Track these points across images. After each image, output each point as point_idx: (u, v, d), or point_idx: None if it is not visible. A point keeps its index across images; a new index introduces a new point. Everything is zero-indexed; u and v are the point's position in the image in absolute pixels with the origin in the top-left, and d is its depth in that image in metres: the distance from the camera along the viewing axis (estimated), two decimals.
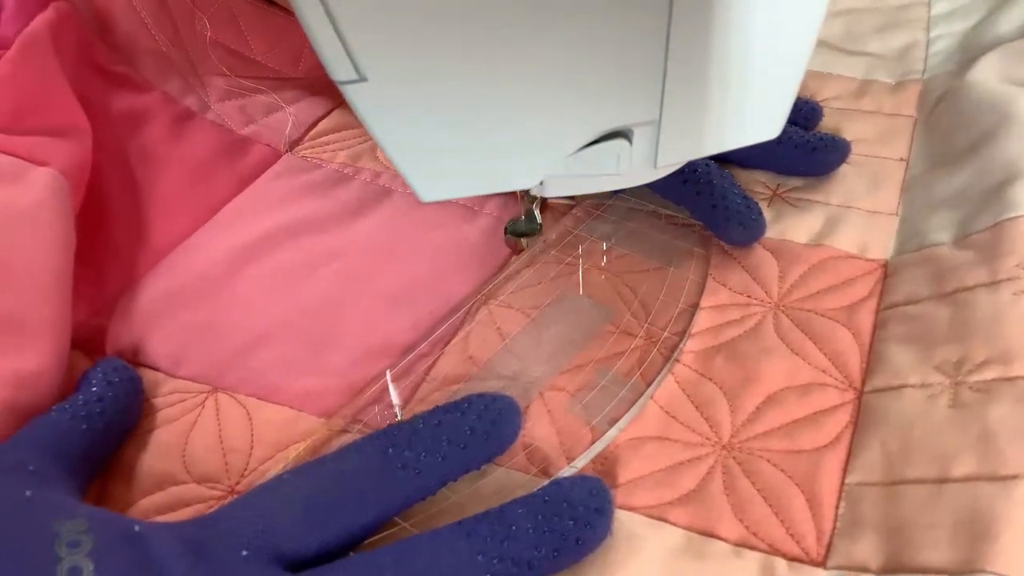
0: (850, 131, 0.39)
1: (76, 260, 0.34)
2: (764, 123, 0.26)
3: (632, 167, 0.26)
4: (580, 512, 0.24)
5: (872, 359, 0.29)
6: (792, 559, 0.24)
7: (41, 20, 0.38)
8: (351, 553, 0.24)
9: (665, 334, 0.31)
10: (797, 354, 0.30)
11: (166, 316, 0.34)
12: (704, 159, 0.34)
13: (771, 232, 0.34)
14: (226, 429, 0.30)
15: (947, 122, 0.38)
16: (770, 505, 0.26)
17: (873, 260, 0.33)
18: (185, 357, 0.33)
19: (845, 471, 0.26)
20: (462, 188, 0.26)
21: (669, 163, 0.27)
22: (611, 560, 0.25)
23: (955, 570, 0.22)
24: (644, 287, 0.33)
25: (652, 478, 0.27)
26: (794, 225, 0.35)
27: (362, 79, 0.21)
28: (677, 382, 0.30)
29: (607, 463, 0.27)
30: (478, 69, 0.22)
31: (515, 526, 0.23)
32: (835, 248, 0.33)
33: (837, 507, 0.25)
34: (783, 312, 0.31)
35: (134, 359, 0.33)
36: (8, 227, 0.31)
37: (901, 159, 0.37)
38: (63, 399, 0.29)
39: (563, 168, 0.26)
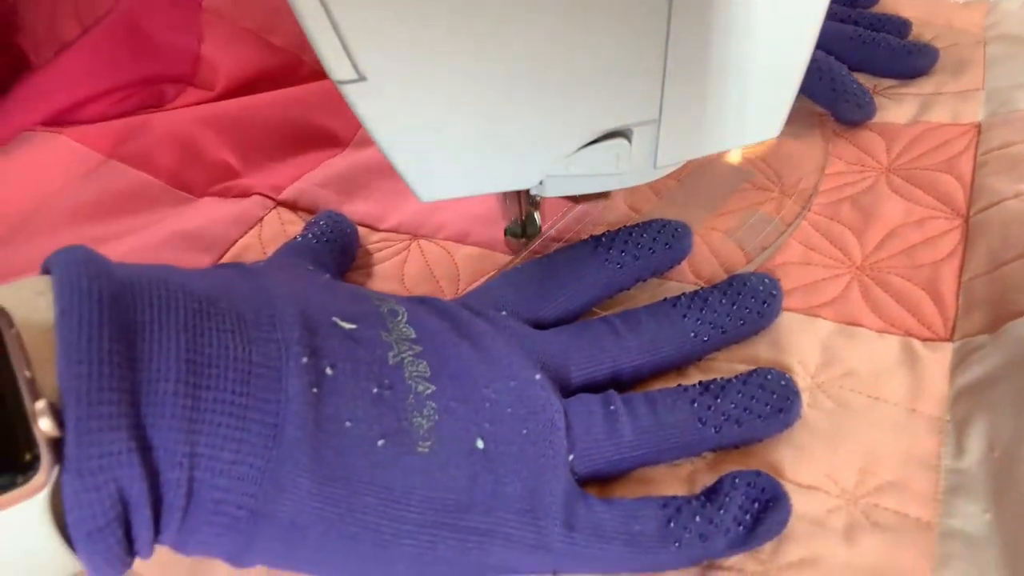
0: (925, 37, 0.45)
1: (270, 151, 0.41)
2: (764, 122, 0.27)
3: (632, 167, 0.27)
4: (759, 292, 0.30)
5: (974, 191, 0.35)
6: (925, 339, 0.30)
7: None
8: None
9: (799, 187, 0.37)
10: (909, 200, 0.35)
11: (359, 186, 0.40)
12: (819, 52, 0.39)
13: (874, 119, 0.40)
14: (432, 263, 0.36)
15: None
16: (902, 305, 0.32)
17: (966, 123, 0.39)
18: (384, 215, 0.39)
19: (960, 273, 0.32)
20: (461, 188, 0.26)
21: (669, 163, 0.27)
22: (780, 338, 0.31)
23: None
24: (773, 156, 0.39)
25: (801, 289, 0.33)
26: (893, 113, 0.41)
27: (361, 79, 0.21)
28: (811, 225, 0.36)
29: None
30: (478, 68, 0.22)
31: (709, 299, 0.29)
32: (931, 122, 0.39)
33: (957, 299, 0.31)
34: (893, 173, 0.37)
35: None
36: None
37: (978, 42, 0.43)
38: None
39: (563, 168, 0.26)
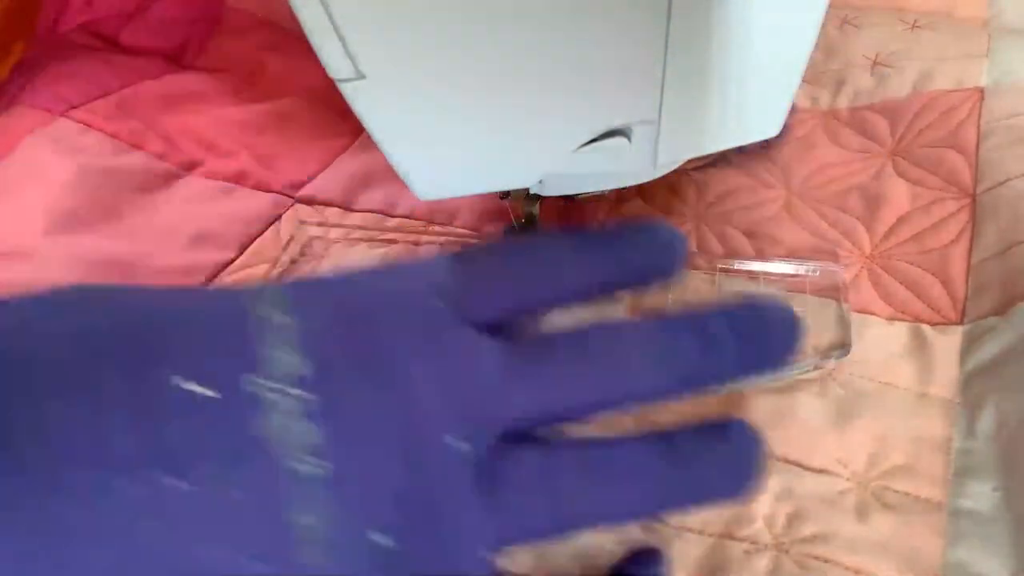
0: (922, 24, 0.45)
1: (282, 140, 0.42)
2: (763, 121, 0.27)
3: (631, 165, 0.26)
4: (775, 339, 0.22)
5: (980, 167, 0.35)
6: (935, 324, 0.31)
7: None
8: None
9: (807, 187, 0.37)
10: (917, 184, 0.36)
11: (375, 175, 0.41)
12: None
13: (875, 98, 0.41)
14: (448, 250, 0.37)
15: None
16: (911, 291, 0.32)
17: (970, 88, 0.39)
18: (397, 202, 0.39)
19: (970, 255, 0.32)
20: (461, 187, 0.26)
21: (669, 161, 0.27)
22: None
23: None
24: (779, 154, 0.39)
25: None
26: (895, 85, 0.41)
27: (360, 77, 0.21)
28: (820, 216, 0.36)
29: None
30: (477, 67, 0.21)
31: (717, 335, 0.21)
32: (934, 89, 0.40)
33: (967, 282, 0.32)
34: (898, 156, 0.38)
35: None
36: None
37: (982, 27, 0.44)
38: None
39: (562, 167, 0.26)
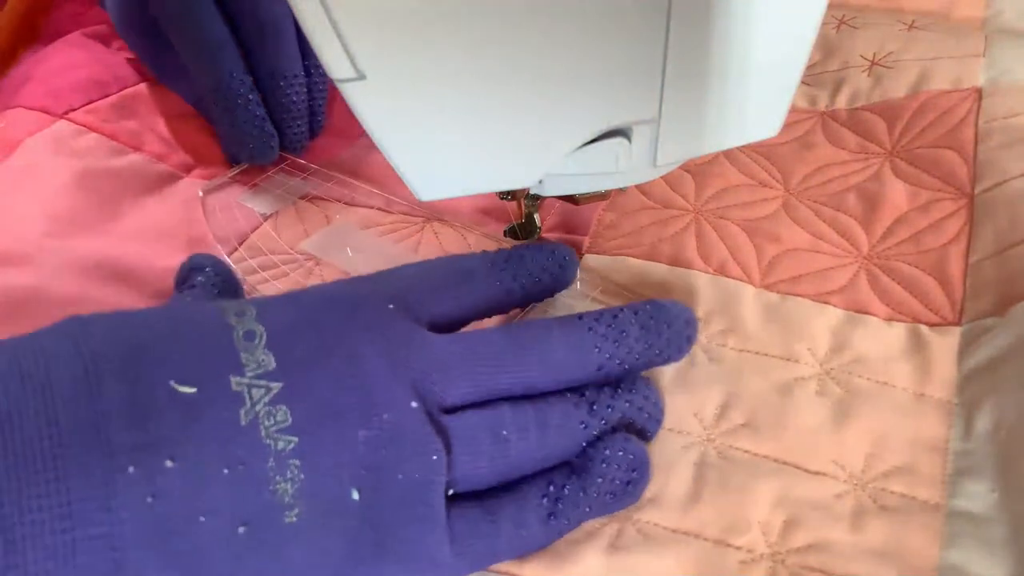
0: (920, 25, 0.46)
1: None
2: (763, 121, 0.27)
3: (631, 165, 0.26)
4: (674, 333, 0.28)
5: (978, 167, 0.36)
6: (933, 324, 0.31)
7: None
8: None
9: (805, 187, 0.37)
10: (914, 184, 0.36)
11: (373, 169, 0.41)
12: None
13: (874, 97, 0.41)
14: (447, 246, 0.37)
15: None
16: (909, 291, 0.32)
17: (967, 88, 0.39)
18: (397, 197, 0.40)
19: (967, 255, 0.33)
20: (461, 187, 0.26)
21: (668, 161, 0.27)
22: (791, 324, 0.31)
23: None
24: (777, 154, 0.40)
25: (811, 275, 0.33)
26: (893, 85, 0.41)
27: (360, 77, 0.21)
28: (818, 216, 0.36)
29: (771, 266, 0.34)
30: (477, 67, 0.22)
31: (626, 332, 0.27)
32: (932, 89, 0.40)
33: (964, 282, 0.32)
34: (896, 156, 0.38)
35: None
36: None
37: (978, 28, 0.44)
38: None
39: (562, 167, 0.26)
